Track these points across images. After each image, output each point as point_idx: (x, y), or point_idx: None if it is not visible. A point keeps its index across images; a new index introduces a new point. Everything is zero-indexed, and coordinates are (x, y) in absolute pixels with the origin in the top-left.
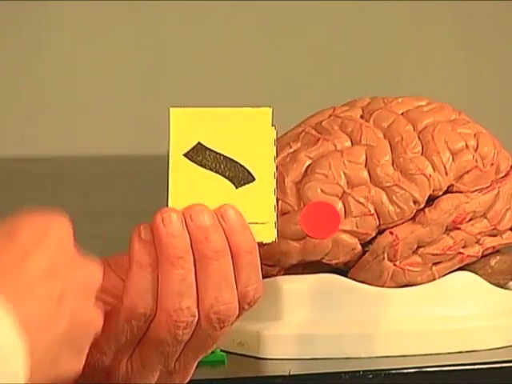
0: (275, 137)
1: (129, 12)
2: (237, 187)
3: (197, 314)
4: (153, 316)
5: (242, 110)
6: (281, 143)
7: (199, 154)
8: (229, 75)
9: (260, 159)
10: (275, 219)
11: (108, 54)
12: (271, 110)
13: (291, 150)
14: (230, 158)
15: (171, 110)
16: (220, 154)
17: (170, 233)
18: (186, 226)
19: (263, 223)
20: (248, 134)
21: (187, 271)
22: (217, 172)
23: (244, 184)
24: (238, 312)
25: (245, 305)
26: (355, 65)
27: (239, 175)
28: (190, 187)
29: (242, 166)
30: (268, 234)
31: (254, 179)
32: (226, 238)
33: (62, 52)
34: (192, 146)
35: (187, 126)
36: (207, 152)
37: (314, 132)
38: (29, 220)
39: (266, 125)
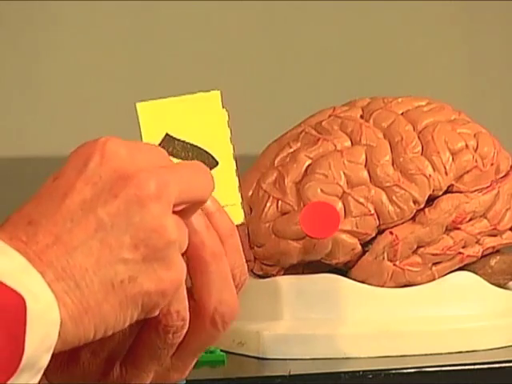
0: (227, 119)
1: (129, 13)
2: None
3: (187, 318)
4: (143, 319)
5: (193, 96)
6: (281, 143)
7: (169, 145)
8: (228, 75)
9: (218, 143)
10: (241, 200)
11: (108, 54)
12: (220, 92)
13: (291, 150)
14: (196, 146)
15: (138, 104)
16: (187, 143)
17: None
18: None
19: (231, 205)
20: (204, 119)
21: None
22: (186, 160)
23: (210, 169)
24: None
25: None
26: (355, 65)
27: (205, 161)
28: None
29: (206, 151)
30: (236, 216)
31: (217, 163)
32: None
33: (61, 50)
34: (161, 138)
35: (155, 117)
36: (175, 142)
37: (313, 132)
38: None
39: (217, 108)
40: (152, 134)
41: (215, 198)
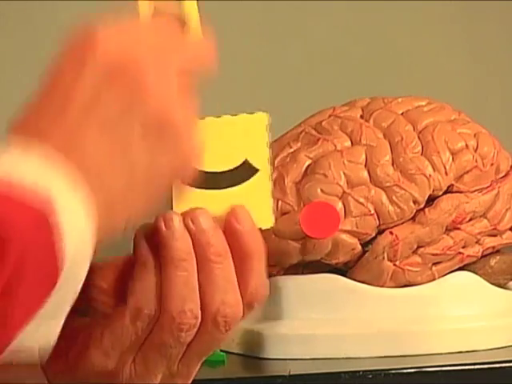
0: (270, 140)
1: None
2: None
3: (199, 317)
4: (156, 318)
5: (238, 118)
6: (281, 143)
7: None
8: (228, 75)
9: (256, 156)
10: (272, 206)
11: None
12: (267, 115)
13: (291, 150)
14: (219, 172)
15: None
16: (208, 173)
17: (172, 236)
18: (188, 230)
19: (263, 210)
20: (244, 138)
21: (190, 274)
22: (212, 189)
23: (249, 177)
24: (242, 313)
25: (250, 307)
26: (355, 65)
27: (243, 173)
28: (192, 191)
29: (243, 162)
30: (266, 221)
31: (257, 170)
32: (237, 240)
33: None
34: None
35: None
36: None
37: (314, 132)
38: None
39: (261, 129)
40: None
41: (249, 217)
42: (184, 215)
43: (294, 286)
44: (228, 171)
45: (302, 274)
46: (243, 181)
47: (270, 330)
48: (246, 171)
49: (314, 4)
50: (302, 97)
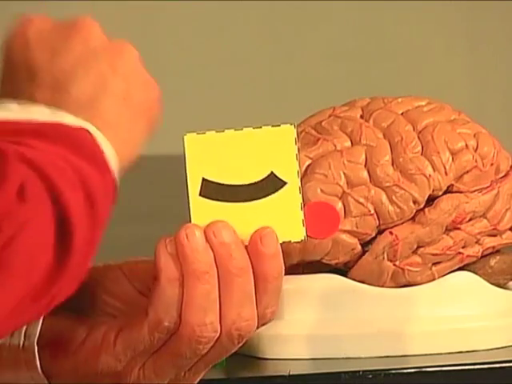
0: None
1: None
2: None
3: (219, 330)
4: (175, 329)
5: (263, 130)
6: None
7: (211, 192)
8: (229, 75)
9: (284, 168)
10: (303, 218)
11: None
12: (294, 127)
13: None
14: (242, 185)
15: (185, 136)
16: (229, 186)
17: (194, 248)
18: (210, 243)
19: (293, 223)
20: (269, 151)
21: (212, 286)
22: (234, 202)
23: (275, 191)
24: (256, 328)
25: (260, 325)
26: (355, 65)
27: (261, 191)
28: (211, 204)
29: (269, 175)
30: (297, 234)
31: (285, 183)
32: (259, 261)
33: None
34: (200, 184)
35: (203, 150)
36: (216, 186)
37: (313, 132)
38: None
39: (289, 142)
40: (198, 165)
41: (275, 241)
42: (206, 228)
43: (294, 285)
44: (252, 184)
45: (302, 273)
46: (269, 194)
47: (269, 330)
48: (272, 184)
49: (315, 4)
50: (302, 97)
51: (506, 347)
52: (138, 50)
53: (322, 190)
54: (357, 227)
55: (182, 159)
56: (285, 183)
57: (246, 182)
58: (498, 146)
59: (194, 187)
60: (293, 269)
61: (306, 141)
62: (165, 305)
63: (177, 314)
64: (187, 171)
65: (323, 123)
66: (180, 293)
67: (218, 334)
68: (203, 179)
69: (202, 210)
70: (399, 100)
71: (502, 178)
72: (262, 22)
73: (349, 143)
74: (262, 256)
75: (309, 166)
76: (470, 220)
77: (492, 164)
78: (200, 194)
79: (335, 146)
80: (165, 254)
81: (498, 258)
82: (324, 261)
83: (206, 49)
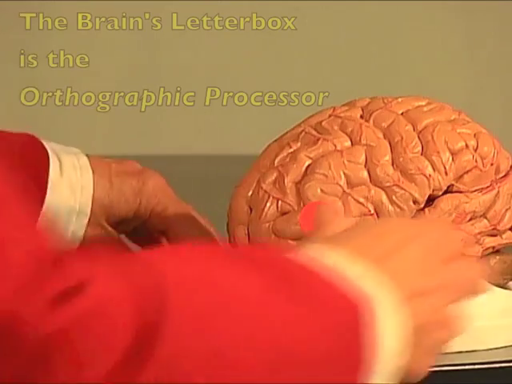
0: None
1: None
2: None
3: None
4: None
5: None
6: (281, 143)
7: None
8: (229, 75)
9: None
10: None
11: (115, 53)
12: None
13: (291, 150)
14: None
15: None
16: None
17: None
18: None
19: None
20: None
21: None
22: None
23: None
24: None
25: None
26: (355, 65)
27: None
28: None
29: None
30: None
31: None
32: None
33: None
34: None
35: None
36: None
37: (313, 132)
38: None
39: None
40: None
41: None
42: None
43: None
44: None
45: None
46: None
47: None
48: None
49: (315, 4)
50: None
51: (506, 347)
52: (138, 54)
53: (322, 190)
54: None
55: (182, 159)
56: None
57: None
58: (498, 146)
59: None
60: None
61: (306, 141)
62: None
63: None
64: None
65: (323, 123)
66: None
67: None
68: None
69: None
70: (399, 100)
71: (502, 177)
72: (262, 20)
73: (349, 143)
74: None
75: (309, 166)
76: (470, 220)
77: (492, 164)
78: None
79: (335, 145)
80: None
81: (498, 257)
82: None
83: (206, 49)
